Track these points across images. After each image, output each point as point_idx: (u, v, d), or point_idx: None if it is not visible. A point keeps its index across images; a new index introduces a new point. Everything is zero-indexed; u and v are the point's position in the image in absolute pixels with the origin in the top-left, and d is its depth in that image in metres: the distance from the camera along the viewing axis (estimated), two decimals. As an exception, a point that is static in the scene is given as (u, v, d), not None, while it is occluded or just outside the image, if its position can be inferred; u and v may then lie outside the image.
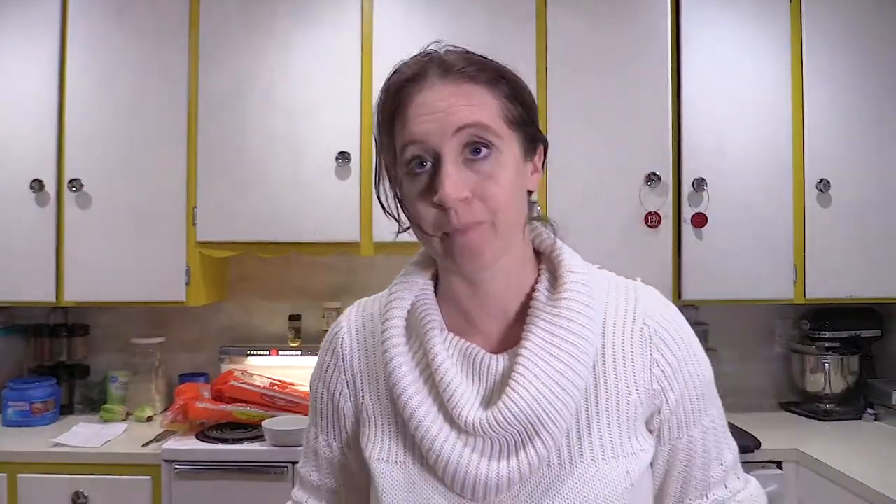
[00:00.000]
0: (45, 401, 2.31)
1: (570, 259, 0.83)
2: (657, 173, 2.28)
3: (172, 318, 2.61)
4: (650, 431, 0.82)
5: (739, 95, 2.32)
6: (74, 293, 2.28)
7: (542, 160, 0.83)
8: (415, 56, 0.79)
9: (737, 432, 2.13)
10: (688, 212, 2.30)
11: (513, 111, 0.78)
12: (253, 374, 2.36)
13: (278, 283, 2.66)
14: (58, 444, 2.07)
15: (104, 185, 2.28)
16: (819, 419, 2.41)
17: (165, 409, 2.34)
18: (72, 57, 2.28)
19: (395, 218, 0.83)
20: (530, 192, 0.82)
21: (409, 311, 0.85)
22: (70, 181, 2.25)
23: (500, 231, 0.76)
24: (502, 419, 0.74)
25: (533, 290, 0.82)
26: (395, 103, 0.77)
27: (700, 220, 2.29)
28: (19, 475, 2.02)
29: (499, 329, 0.83)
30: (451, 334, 0.83)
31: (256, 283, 2.67)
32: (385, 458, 0.82)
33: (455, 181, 0.73)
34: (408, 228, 0.82)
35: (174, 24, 2.29)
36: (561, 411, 0.75)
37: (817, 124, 2.33)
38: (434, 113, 0.74)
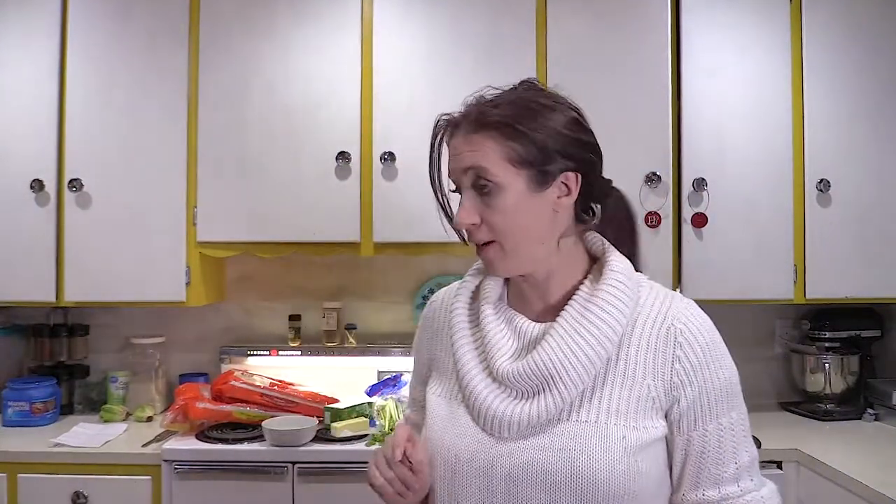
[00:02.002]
0: (45, 401, 2.31)
1: (615, 261, 0.99)
2: (657, 173, 2.28)
3: (172, 318, 2.61)
4: (667, 419, 0.94)
5: (739, 95, 2.32)
6: (74, 293, 2.28)
7: (574, 183, 0.96)
8: (463, 103, 0.98)
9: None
10: (688, 212, 2.30)
11: (518, 151, 0.92)
12: (253, 374, 2.36)
13: (278, 283, 2.66)
14: (58, 444, 2.07)
15: (104, 185, 2.28)
16: (819, 419, 2.41)
17: (165, 410, 2.34)
18: (72, 57, 2.28)
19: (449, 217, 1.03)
20: (557, 212, 0.96)
21: (477, 286, 1.05)
22: (70, 181, 2.25)
23: (509, 250, 0.94)
24: (525, 370, 0.92)
25: (580, 283, 0.99)
26: (439, 143, 0.99)
27: (700, 220, 2.29)
28: (19, 475, 2.02)
29: (545, 308, 1.00)
30: (506, 306, 1.02)
31: (256, 283, 2.67)
32: (438, 394, 1.03)
33: (465, 210, 0.94)
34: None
35: (174, 24, 2.29)
36: (575, 373, 0.90)
37: (817, 124, 2.33)
38: (456, 157, 0.95)
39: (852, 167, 2.33)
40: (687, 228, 2.30)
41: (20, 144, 2.28)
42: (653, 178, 2.28)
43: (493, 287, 1.03)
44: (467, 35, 2.30)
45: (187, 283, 2.29)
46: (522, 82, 0.98)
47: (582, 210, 1.00)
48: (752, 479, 0.96)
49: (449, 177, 0.98)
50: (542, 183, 0.93)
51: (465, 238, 0.99)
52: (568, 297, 0.97)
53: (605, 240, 1.03)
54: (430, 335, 1.12)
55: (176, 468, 2.01)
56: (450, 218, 1.00)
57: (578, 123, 0.98)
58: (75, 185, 2.25)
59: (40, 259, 2.27)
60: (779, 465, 2.06)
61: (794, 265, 2.33)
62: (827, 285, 2.33)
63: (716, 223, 2.29)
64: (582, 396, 0.92)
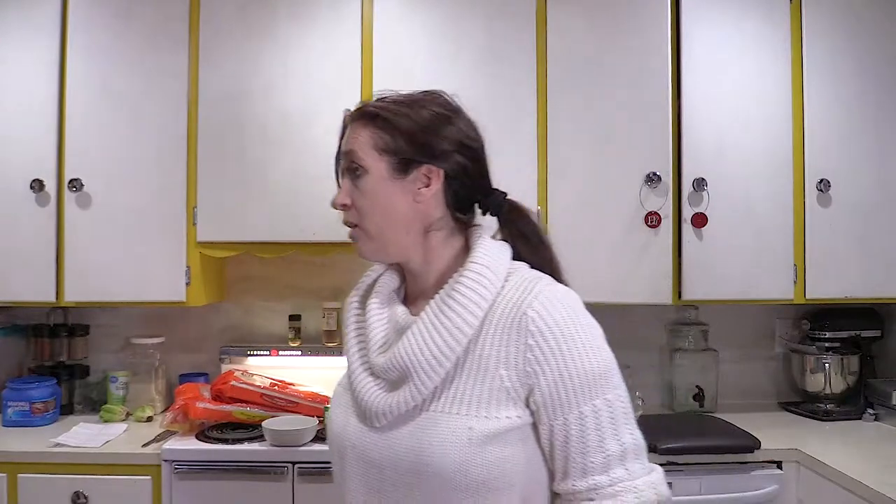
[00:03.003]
0: (45, 401, 2.31)
1: (478, 253, 1.00)
2: (657, 173, 2.28)
3: (172, 318, 2.61)
4: (529, 408, 0.94)
5: (739, 95, 2.32)
6: (74, 293, 2.28)
7: (436, 178, 1.01)
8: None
9: (737, 432, 2.13)
10: (688, 212, 2.30)
11: (385, 139, 1.01)
12: (253, 374, 2.36)
13: (278, 283, 2.66)
14: (58, 444, 2.07)
15: (104, 185, 2.28)
16: (819, 419, 2.41)
17: (165, 409, 2.34)
18: (72, 57, 2.28)
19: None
20: (419, 203, 1.02)
21: (374, 282, 1.11)
22: (70, 181, 2.25)
23: (372, 233, 1.02)
24: (388, 363, 0.97)
25: (452, 275, 1.01)
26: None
27: (700, 220, 2.29)
28: (19, 475, 2.02)
29: (424, 301, 1.02)
30: (396, 300, 1.08)
31: (256, 283, 2.66)
32: (340, 384, 1.11)
33: (341, 192, 1.05)
34: None
35: (174, 24, 2.29)
36: (428, 366, 0.93)
37: (817, 124, 2.34)
38: (342, 143, 1.07)
39: (852, 167, 2.33)
40: (687, 228, 2.30)
41: (20, 144, 2.28)
42: (653, 178, 2.28)
43: (388, 281, 1.09)
44: (467, 35, 2.30)
45: (187, 283, 2.29)
46: (428, 91, 1.05)
47: (456, 208, 1.04)
48: (625, 469, 0.92)
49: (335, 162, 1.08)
50: (402, 171, 1.01)
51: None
52: (440, 287, 1.01)
53: (481, 235, 1.04)
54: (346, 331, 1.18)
55: (176, 468, 2.01)
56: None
57: (446, 122, 1.02)
58: (75, 185, 2.25)
59: (40, 259, 2.27)
60: (779, 465, 2.06)
61: (794, 265, 2.33)
62: (827, 285, 2.33)
63: (716, 223, 2.29)
64: (441, 387, 0.94)
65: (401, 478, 0.94)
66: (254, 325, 2.67)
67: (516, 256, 1.03)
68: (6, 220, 2.27)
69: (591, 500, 0.92)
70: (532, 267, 1.02)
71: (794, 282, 2.33)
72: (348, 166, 1.04)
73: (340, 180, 1.06)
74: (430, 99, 1.04)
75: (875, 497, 1.69)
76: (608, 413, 0.93)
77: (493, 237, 1.06)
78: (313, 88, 2.29)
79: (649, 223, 2.28)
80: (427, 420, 0.93)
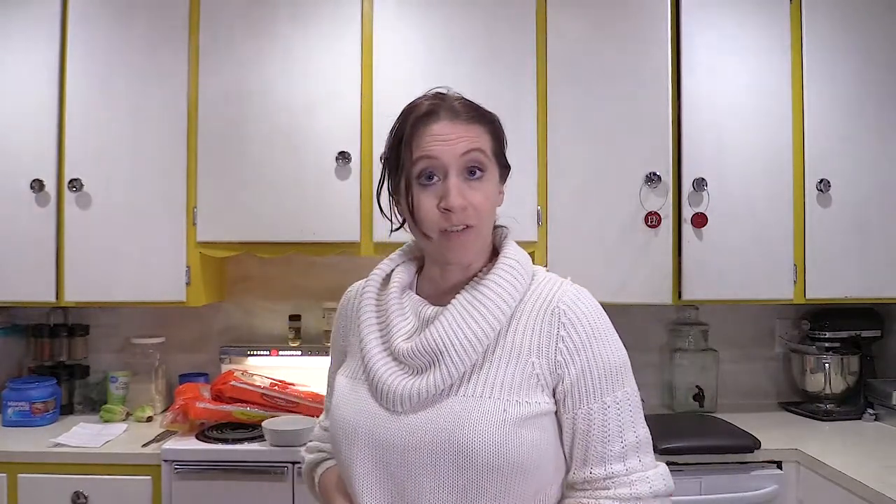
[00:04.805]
0: (45, 401, 2.31)
1: (509, 250, 1.07)
2: (657, 173, 2.28)
3: (172, 318, 2.61)
4: (555, 397, 0.99)
5: (739, 95, 2.32)
6: (74, 293, 2.28)
7: (504, 181, 1.10)
8: (425, 97, 1.06)
9: (737, 432, 2.13)
10: (688, 212, 2.30)
11: (495, 146, 1.06)
12: (253, 374, 2.36)
13: (278, 283, 2.66)
14: (58, 444, 2.07)
15: (104, 185, 2.28)
16: (819, 419, 2.41)
17: (165, 409, 2.34)
18: (72, 57, 2.28)
19: (388, 218, 1.11)
20: (498, 205, 1.09)
21: (387, 276, 1.13)
22: (70, 181, 2.25)
23: (482, 235, 1.04)
24: (417, 348, 0.99)
25: (480, 271, 1.07)
26: (410, 130, 1.02)
27: (700, 220, 2.29)
28: (19, 475, 2.02)
29: (448, 292, 1.06)
30: (414, 293, 1.10)
31: (256, 283, 2.67)
32: (344, 374, 1.11)
33: (457, 191, 0.99)
34: (400, 227, 1.11)
35: (174, 24, 2.29)
36: (462, 350, 0.97)
37: (817, 124, 2.33)
38: (446, 141, 1.00)
39: (852, 167, 2.33)
40: (687, 228, 2.30)
41: (20, 144, 2.28)
42: (653, 178, 2.28)
43: (403, 275, 1.12)
44: (467, 35, 2.30)
45: (187, 283, 2.29)
46: (444, 91, 1.08)
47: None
48: (639, 460, 0.98)
49: (424, 160, 1.01)
50: (502, 177, 1.09)
51: (417, 227, 1.03)
52: (468, 282, 1.05)
53: (507, 235, 1.11)
54: (344, 324, 1.19)
55: (176, 468, 2.02)
56: (410, 204, 1.02)
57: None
58: (75, 185, 2.25)
59: (40, 259, 2.27)
60: (779, 465, 2.07)
61: (794, 265, 2.33)
62: (827, 285, 2.33)
63: (716, 223, 2.29)
64: (471, 372, 0.98)
65: (421, 458, 0.95)
66: (254, 325, 2.67)
67: None
68: (6, 220, 2.27)
69: (608, 488, 0.97)
70: None
71: (794, 282, 2.33)
72: (467, 166, 1.01)
73: (449, 179, 1.00)
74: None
75: (875, 497, 1.70)
76: (627, 405, 0.99)
77: None
78: (313, 88, 2.28)
79: (649, 223, 2.28)
80: (459, 403, 0.96)
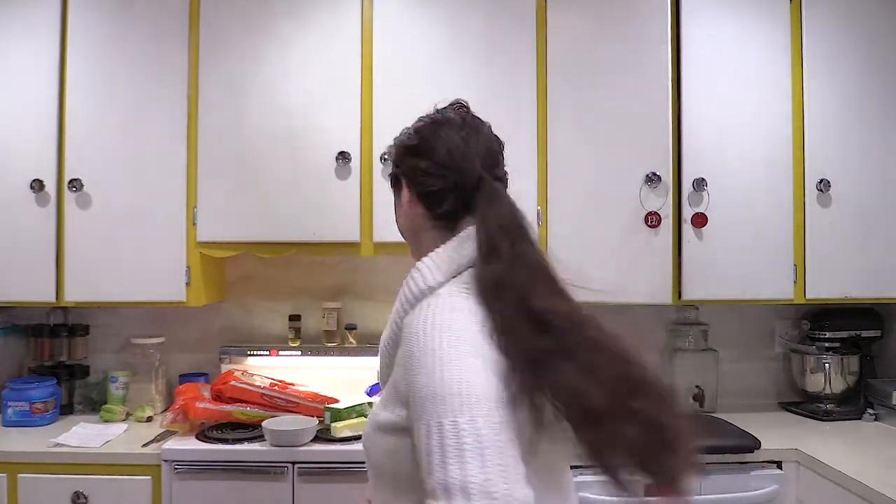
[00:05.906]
0: (45, 401, 2.31)
1: (421, 262, 1.05)
2: (657, 173, 2.28)
3: (172, 318, 2.61)
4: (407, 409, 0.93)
5: (739, 95, 2.32)
6: (74, 293, 2.28)
7: (405, 185, 1.13)
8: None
9: (737, 432, 2.13)
10: (688, 212, 2.30)
11: (393, 168, 1.18)
12: (253, 374, 2.36)
13: (278, 283, 2.66)
14: (58, 444, 2.07)
15: (104, 185, 2.28)
16: (819, 419, 2.41)
17: (165, 409, 2.34)
18: (72, 57, 2.28)
19: None
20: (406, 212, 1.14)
21: None
22: (70, 181, 2.25)
23: (412, 249, 1.14)
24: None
25: None
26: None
27: (700, 220, 2.29)
28: (19, 475, 2.02)
29: None
30: None
31: (256, 283, 2.66)
32: None
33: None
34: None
35: (174, 24, 2.29)
36: (379, 359, 1.08)
37: (817, 124, 2.34)
38: None
39: (852, 167, 2.33)
40: (687, 228, 2.30)
41: (20, 144, 2.28)
42: (653, 178, 2.28)
43: None
44: (467, 35, 2.30)
45: (187, 283, 2.29)
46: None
47: (434, 215, 1.08)
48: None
49: None
50: (394, 185, 1.17)
51: None
52: None
53: (441, 245, 1.05)
54: None
55: (176, 468, 2.01)
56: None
57: (411, 133, 1.16)
58: (75, 185, 2.25)
59: (40, 259, 2.27)
60: (779, 465, 2.07)
61: (794, 265, 2.33)
62: (827, 285, 2.33)
63: (716, 223, 2.29)
64: (386, 378, 1.04)
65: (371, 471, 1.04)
66: (254, 325, 2.67)
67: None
68: (6, 220, 2.27)
69: None
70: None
71: (794, 282, 2.33)
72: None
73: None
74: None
75: (874, 497, 1.70)
76: (454, 437, 0.81)
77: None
78: (313, 88, 2.28)
79: (649, 223, 2.28)
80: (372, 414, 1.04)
